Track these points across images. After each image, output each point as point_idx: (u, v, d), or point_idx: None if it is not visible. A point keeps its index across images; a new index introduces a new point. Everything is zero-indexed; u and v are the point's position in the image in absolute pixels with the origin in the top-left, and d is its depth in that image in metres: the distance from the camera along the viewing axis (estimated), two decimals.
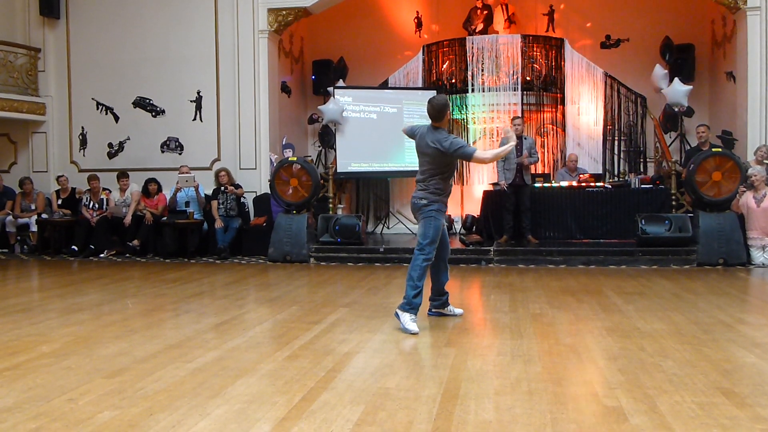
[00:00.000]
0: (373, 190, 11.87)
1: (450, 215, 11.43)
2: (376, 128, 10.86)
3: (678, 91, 9.36)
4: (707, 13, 11.28)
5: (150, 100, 11.18)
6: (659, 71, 9.79)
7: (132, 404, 3.12)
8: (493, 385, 3.43)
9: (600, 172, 10.74)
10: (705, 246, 8.26)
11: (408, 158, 11.11)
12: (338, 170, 10.60)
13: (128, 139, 11.27)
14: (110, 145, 11.35)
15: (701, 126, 9.59)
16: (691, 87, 9.64)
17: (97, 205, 10.26)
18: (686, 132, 11.14)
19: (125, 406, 3.10)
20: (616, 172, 11.03)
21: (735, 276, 7.55)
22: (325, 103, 10.60)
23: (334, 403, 3.12)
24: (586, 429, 2.78)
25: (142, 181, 10.37)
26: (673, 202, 9.44)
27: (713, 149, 8.63)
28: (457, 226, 11.25)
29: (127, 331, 4.74)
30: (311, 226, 9.41)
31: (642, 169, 11.02)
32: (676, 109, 9.95)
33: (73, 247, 10.00)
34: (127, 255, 9.91)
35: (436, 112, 4.88)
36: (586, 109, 11.17)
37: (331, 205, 10.47)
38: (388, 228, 11.74)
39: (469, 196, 11.53)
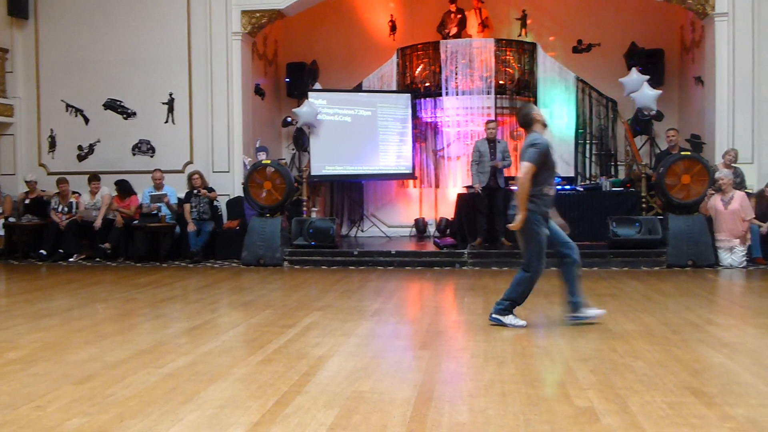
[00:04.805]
0: (347, 193, 11.85)
1: (424, 218, 11.49)
2: (350, 131, 10.85)
3: (647, 95, 9.50)
4: (676, 18, 11.48)
5: (121, 102, 11.03)
6: (639, 77, 9.80)
7: (102, 411, 3.07)
8: (467, 388, 3.45)
9: (572, 175, 10.85)
10: (674, 248, 8.39)
11: (382, 161, 11.14)
12: (312, 173, 10.56)
13: (98, 141, 11.11)
14: (80, 148, 11.17)
15: (671, 130, 9.77)
16: (660, 91, 9.79)
17: (66, 209, 10.09)
18: (656, 136, 11.31)
19: (95, 412, 3.05)
20: (587, 175, 11.17)
21: (704, 277, 7.68)
22: (299, 106, 10.56)
23: (308, 407, 3.11)
24: (559, 430, 2.81)
25: (112, 184, 10.22)
26: (644, 205, 9.56)
27: (682, 153, 8.78)
28: (431, 229, 11.28)
29: (97, 337, 4.67)
30: (285, 230, 9.36)
31: (613, 173, 11.17)
32: (646, 113, 10.09)
33: (42, 251, 9.81)
34: (98, 259, 9.76)
35: (519, 120, 4.96)
36: (558, 112, 11.27)
37: (305, 208, 10.43)
38: (362, 231, 11.72)
39: (443, 199, 11.57)
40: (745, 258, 8.41)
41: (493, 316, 4.95)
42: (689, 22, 10.95)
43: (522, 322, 4.87)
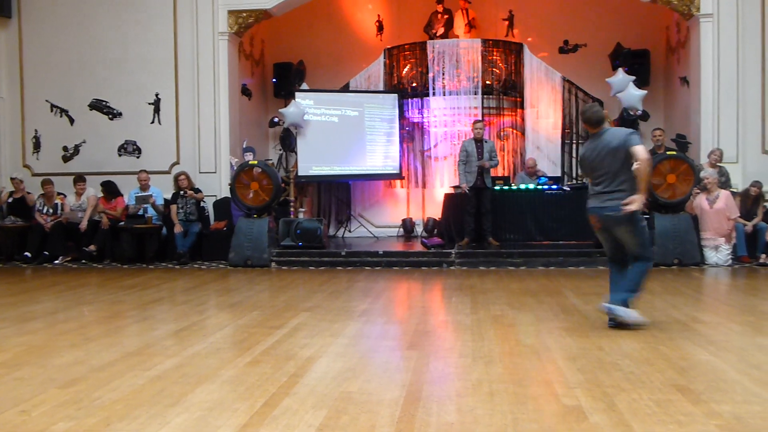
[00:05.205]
0: (334, 194, 11.84)
1: (411, 218, 11.50)
2: (337, 131, 10.84)
3: (633, 95, 9.56)
4: (662, 19, 11.56)
5: (107, 102, 10.95)
6: (625, 77, 9.85)
7: (88, 414, 3.04)
8: (455, 387, 3.45)
9: (559, 174, 10.90)
10: (660, 247, 8.44)
11: (369, 162, 11.14)
12: (299, 174, 10.54)
13: (84, 142, 11.02)
14: (65, 149, 11.08)
15: (656, 130, 9.84)
16: (645, 92, 9.86)
17: (51, 210, 9.99)
18: (642, 136, 11.36)
19: (81, 416, 3.02)
20: (574, 175, 11.22)
21: (690, 276, 7.74)
22: (286, 106, 10.53)
23: (296, 408, 3.10)
24: (547, 428, 2.82)
25: (98, 185, 10.14)
26: None
27: (668, 152, 8.84)
28: (419, 229, 11.29)
29: (83, 340, 4.63)
30: (272, 230, 9.33)
31: None
32: (632, 113, 10.15)
33: (27, 253, 9.71)
34: (83, 261, 9.67)
35: (592, 118, 4.90)
36: (545, 112, 11.33)
37: (292, 209, 10.40)
38: (349, 231, 11.71)
39: (430, 199, 11.59)
40: (730, 256, 8.49)
41: (619, 310, 4.68)
42: (675, 22, 11.03)
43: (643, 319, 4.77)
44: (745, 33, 9.59)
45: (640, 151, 4.58)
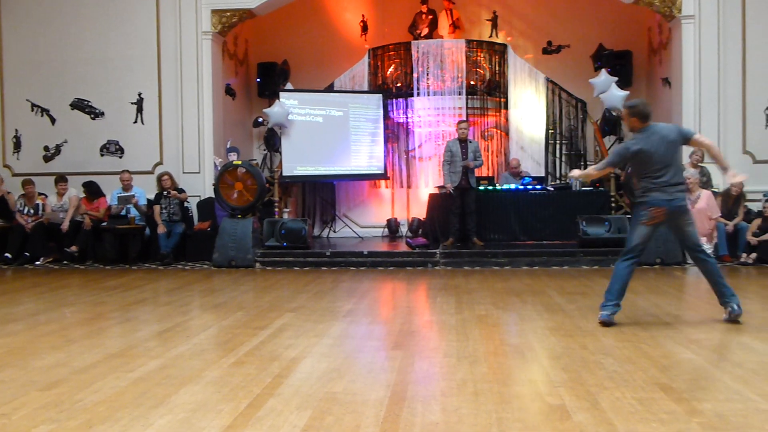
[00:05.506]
0: (319, 194, 11.81)
1: (396, 218, 11.51)
2: (322, 132, 10.82)
3: (615, 96, 9.63)
4: (644, 21, 11.66)
5: (89, 101, 10.85)
6: (608, 78, 9.92)
7: (70, 417, 3.01)
8: (439, 387, 3.46)
9: (542, 174, 10.96)
10: None
11: (354, 162, 11.13)
12: (284, 174, 10.51)
13: (65, 142, 10.90)
14: (46, 149, 10.95)
15: None
16: (628, 92, 9.93)
17: (32, 211, 9.88)
18: (624, 136, 11.46)
19: (63, 419, 2.99)
20: (558, 175, 11.29)
21: (672, 275, 7.81)
22: (270, 106, 10.50)
23: (281, 409, 3.08)
24: (531, 427, 2.83)
25: (80, 185, 10.05)
26: (613, 204, 9.70)
27: None
28: (404, 230, 11.30)
29: (65, 341, 4.58)
30: (256, 231, 9.29)
31: None
32: (614, 114, 10.24)
33: (7, 254, 9.59)
34: (65, 262, 9.58)
35: (643, 111, 5.02)
36: (528, 113, 11.39)
37: (276, 209, 10.37)
38: (334, 232, 11.70)
39: (415, 199, 11.60)
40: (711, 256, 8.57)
41: (740, 307, 4.87)
42: (657, 24, 11.13)
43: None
44: (726, 34, 9.70)
45: (703, 136, 5.08)
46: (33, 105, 10.97)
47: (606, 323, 4.82)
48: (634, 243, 5.02)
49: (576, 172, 5.68)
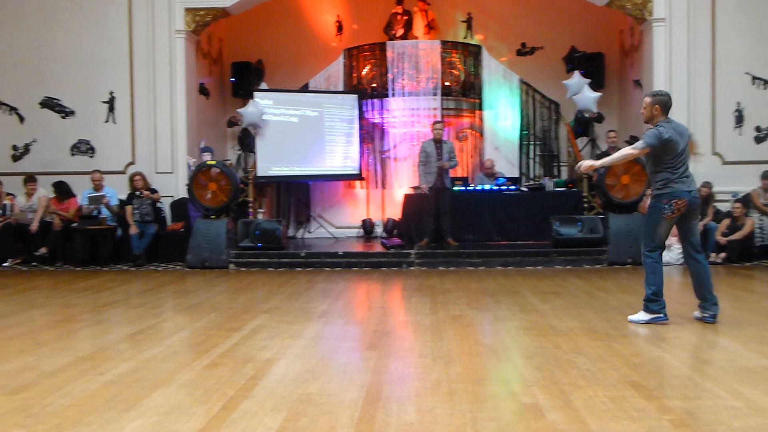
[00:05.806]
0: (294, 195, 11.77)
1: (371, 219, 11.50)
2: (296, 132, 10.78)
3: (588, 97, 9.74)
4: (616, 23, 11.81)
5: (59, 100, 10.66)
6: (581, 80, 10.02)
7: (39, 422, 2.96)
8: (414, 387, 3.46)
9: (516, 175, 11.04)
10: (615, 246, 8.62)
11: (329, 162, 11.10)
12: (258, 174, 10.44)
13: (35, 141, 10.70)
14: (15, 148, 10.74)
15: (611, 131, 10.06)
16: (600, 94, 10.06)
17: (0, 211, 9.69)
18: (597, 137, 11.61)
19: (31, 424, 2.93)
20: (531, 176, 11.38)
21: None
22: (244, 106, 10.42)
23: (255, 411, 3.06)
24: (505, 427, 2.85)
25: (50, 185, 9.87)
26: (585, 205, 9.80)
27: None
28: (379, 230, 11.30)
29: (34, 344, 4.50)
30: (231, 231, 9.22)
31: (556, 173, 11.42)
32: (587, 115, 10.35)
33: None
34: (34, 263, 9.41)
35: (665, 101, 5.10)
36: (503, 114, 11.46)
37: (251, 210, 10.30)
38: (309, 232, 11.66)
39: (390, 199, 11.61)
40: (682, 255, 8.69)
41: (715, 318, 4.94)
42: (628, 27, 11.28)
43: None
44: (696, 38, 9.86)
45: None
46: (1, 103, 10.74)
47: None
48: (661, 238, 5.18)
49: (587, 163, 5.35)
